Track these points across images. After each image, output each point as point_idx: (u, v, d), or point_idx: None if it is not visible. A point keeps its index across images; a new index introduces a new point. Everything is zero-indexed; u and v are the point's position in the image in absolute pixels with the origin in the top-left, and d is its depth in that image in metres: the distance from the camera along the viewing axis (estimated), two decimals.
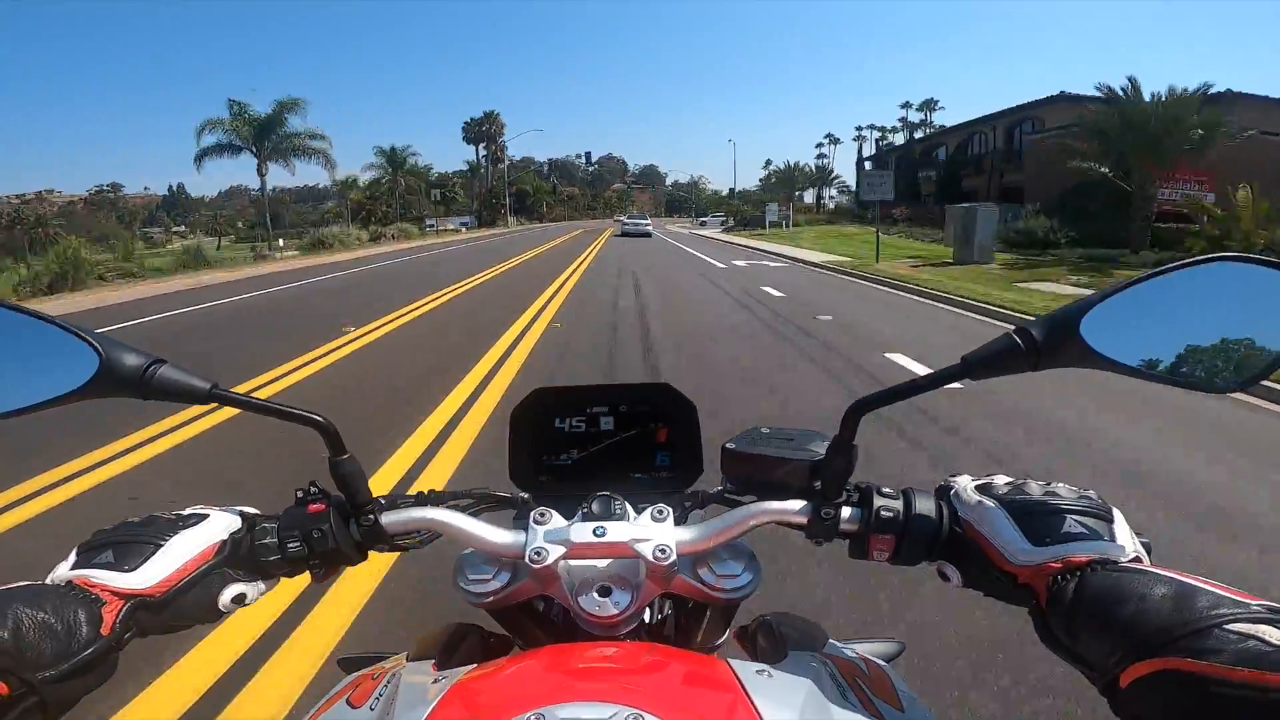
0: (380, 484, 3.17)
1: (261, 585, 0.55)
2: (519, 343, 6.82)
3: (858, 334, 7.16)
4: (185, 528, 0.52)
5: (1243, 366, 0.46)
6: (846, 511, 0.55)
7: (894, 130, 74.23)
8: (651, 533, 0.55)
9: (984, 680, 1.84)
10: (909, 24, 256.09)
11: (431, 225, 47.85)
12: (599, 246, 26.39)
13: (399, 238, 37.72)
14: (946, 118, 70.57)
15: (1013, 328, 0.49)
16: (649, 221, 41.70)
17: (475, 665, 0.51)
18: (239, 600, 0.53)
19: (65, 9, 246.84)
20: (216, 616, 0.52)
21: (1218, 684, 0.34)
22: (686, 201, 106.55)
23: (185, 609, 0.50)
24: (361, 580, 2.29)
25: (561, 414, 0.71)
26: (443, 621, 0.64)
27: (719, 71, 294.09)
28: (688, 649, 0.61)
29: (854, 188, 57.70)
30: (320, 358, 6.36)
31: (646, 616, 0.66)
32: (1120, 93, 15.26)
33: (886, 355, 6.03)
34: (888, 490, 0.55)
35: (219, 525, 0.53)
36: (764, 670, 0.46)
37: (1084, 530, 0.46)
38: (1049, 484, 0.51)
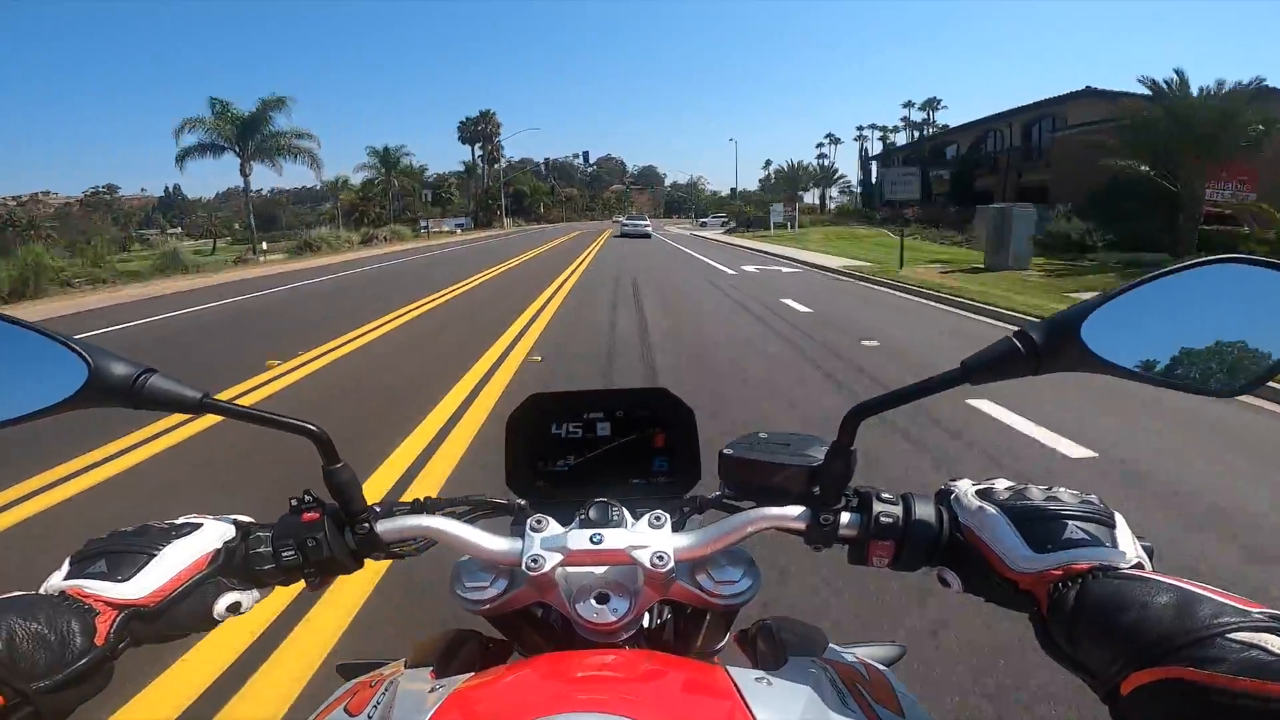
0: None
1: (256, 594, 0.55)
2: (481, 389, 4.98)
3: (923, 368, 5.15)
4: (179, 537, 0.51)
5: (1245, 370, 0.45)
6: (845, 517, 0.54)
7: (895, 130, 72.90)
8: (649, 539, 0.54)
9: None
10: (909, 23, 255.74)
11: (426, 227, 46.90)
12: (597, 249, 24.93)
13: (391, 240, 36.64)
14: (949, 117, 69.75)
15: (1013, 330, 0.48)
16: (648, 222, 41.36)
17: (473, 674, 0.51)
18: (234, 609, 0.52)
19: (64, 9, 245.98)
20: (211, 625, 0.52)
21: (1220, 694, 0.33)
22: (685, 202, 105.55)
23: (179, 618, 0.50)
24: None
25: (558, 419, 0.69)
26: (441, 625, 0.64)
27: (717, 71, 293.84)
28: (688, 655, 0.62)
29: (857, 187, 56.68)
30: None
31: (646, 622, 0.63)
32: (1165, 86, 14.06)
33: (998, 417, 4.11)
34: (887, 495, 0.54)
35: (213, 534, 0.53)
36: (763, 678, 0.46)
37: (1086, 536, 0.46)
38: (1050, 488, 0.51)
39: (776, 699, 0.43)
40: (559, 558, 0.53)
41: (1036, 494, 0.50)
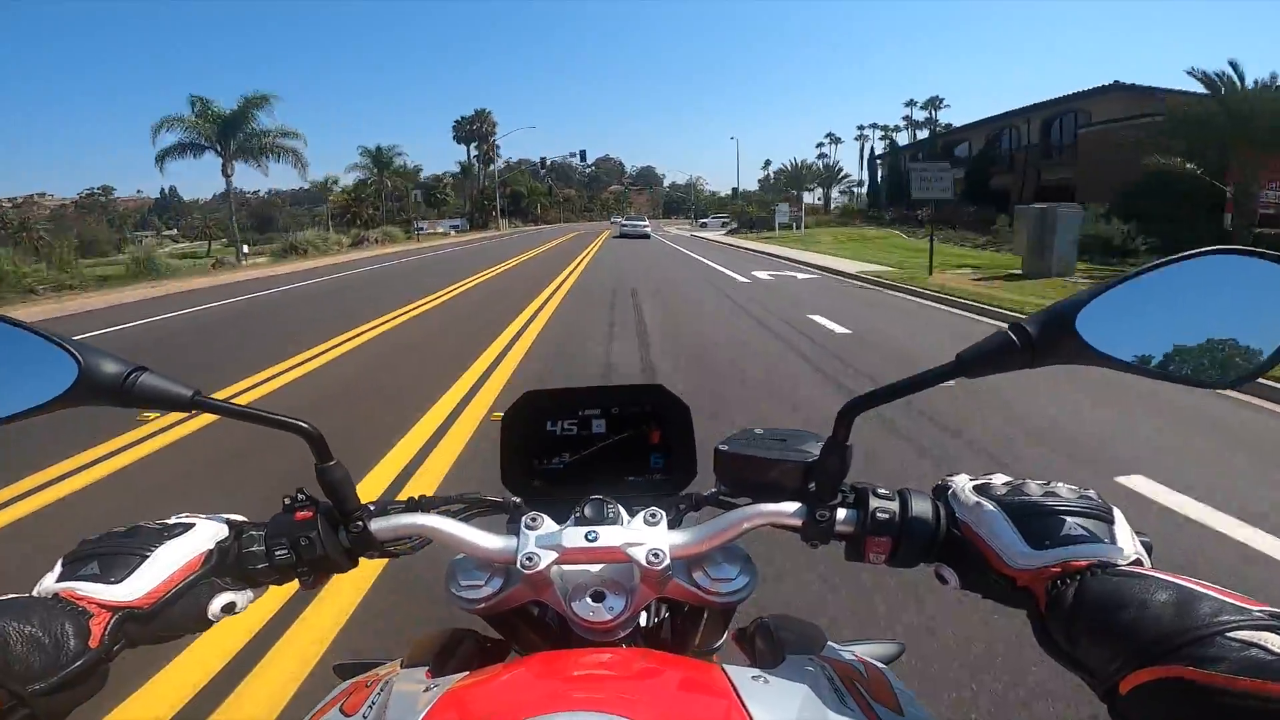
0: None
1: (250, 594, 0.54)
2: (431, 450, 3.70)
3: (1026, 423, 3.93)
4: (171, 538, 0.51)
5: (1240, 362, 0.45)
6: (841, 513, 0.54)
7: (897, 129, 71.61)
8: (644, 537, 0.54)
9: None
10: (909, 23, 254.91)
11: (420, 228, 45.86)
12: (593, 252, 23.92)
13: (382, 242, 35.80)
14: (952, 116, 68.53)
15: (1007, 324, 0.48)
16: (648, 223, 40.67)
17: (467, 673, 0.50)
18: (228, 609, 0.52)
19: (63, 9, 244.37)
20: (205, 626, 0.51)
21: (1219, 693, 0.33)
22: (685, 202, 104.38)
23: (174, 619, 0.49)
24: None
25: (554, 417, 0.69)
26: (437, 624, 0.63)
27: (717, 71, 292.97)
28: (685, 653, 0.61)
29: (861, 187, 55.51)
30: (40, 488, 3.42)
31: (643, 620, 0.63)
32: (1217, 79, 12.88)
33: (1203, 524, 2.73)
34: (883, 491, 0.54)
35: (206, 534, 0.53)
36: (760, 676, 0.46)
37: (1084, 533, 0.45)
38: (1048, 483, 0.50)
39: (774, 697, 0.43)
40: (554, 555, 0.53)
41: (1034, 489, 0.49)
